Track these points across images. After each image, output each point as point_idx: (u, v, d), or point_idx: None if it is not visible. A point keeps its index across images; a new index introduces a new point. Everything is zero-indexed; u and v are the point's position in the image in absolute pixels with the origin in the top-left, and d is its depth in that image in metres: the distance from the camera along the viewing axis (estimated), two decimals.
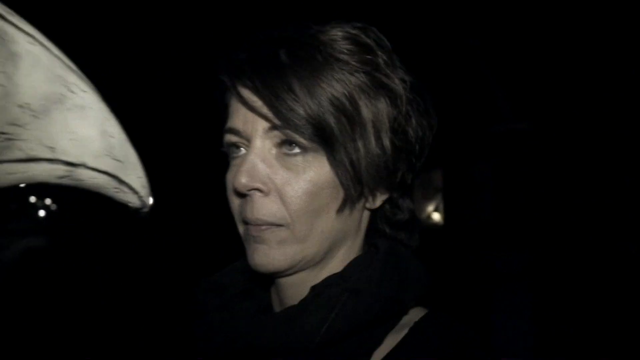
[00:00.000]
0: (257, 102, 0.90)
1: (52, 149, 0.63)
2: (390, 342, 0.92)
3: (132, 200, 0.71)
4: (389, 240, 0.99)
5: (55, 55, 0.64)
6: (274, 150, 0.91)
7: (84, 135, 0.64)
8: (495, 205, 6.61)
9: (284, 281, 0.97)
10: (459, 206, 6.69)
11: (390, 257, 0.96)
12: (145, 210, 0.73)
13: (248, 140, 0.92)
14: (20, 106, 0.60)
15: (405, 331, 0.93)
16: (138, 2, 4.41)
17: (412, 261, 0.98)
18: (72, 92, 0.64)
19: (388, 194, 0.96)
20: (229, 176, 0.95)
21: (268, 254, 0.92)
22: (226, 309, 1.01)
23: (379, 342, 0.92)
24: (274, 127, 0.89)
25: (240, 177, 0.90)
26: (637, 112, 8.24)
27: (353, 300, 0.90)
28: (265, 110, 0.89)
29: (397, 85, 0.92)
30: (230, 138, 0.95)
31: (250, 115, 0.91)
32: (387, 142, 0.91)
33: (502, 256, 5.84)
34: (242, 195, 0.92)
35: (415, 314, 0.95)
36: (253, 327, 0.94)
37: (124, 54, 4.92)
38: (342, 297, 0.90)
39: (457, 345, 0.92)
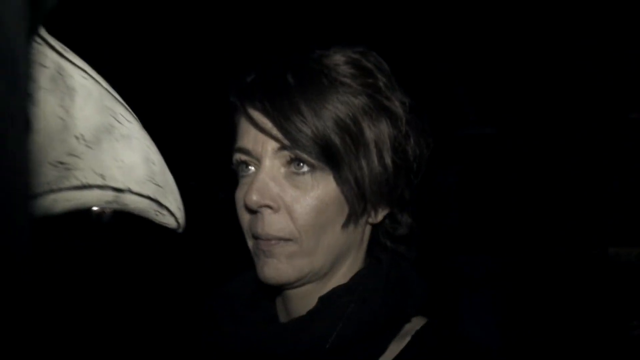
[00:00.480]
0: (267, 123, 0.96)
1: (102, 176, 0.67)
2: (394, 349, 0.99)
3: (170, 222, 0.75)
4: (390, 253, 1.06)
5: (104, 88, 0.68)
6: (282, 170, 0.97)
7: (129, 163, 0.69)
8: (461, 210, 6.70)
9: (291, 293, 1.02)
10: (425, 211, 6.76)
11: (393, 269, 1.03)
12: (180, 230, 0.76)
13: (258, 160, 0.98)
14: (77, 137, 0.64)
15: (407, 339, 0.99)
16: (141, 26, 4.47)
17: (412, 273, 1.05)
18: (119, 122, 0.69)
19: (389, 209, 1.03)
20: (239, 193, 1.01)
21: (278, 267, 0.97)
22: (236, 319, 1.06)
23: (383, 349, 0.98)
24: (283, 147, 0.95)
25: (252, 194, 0.95)
26: (602, 117, 8.41)
27: (360, 309, 0.96)
28: (275, 131, 0.95)
29: (397, 107, 0.99)
30: (240, 157, 1.01)
31: (260, 136, 0.97)
32: (388, 161, 0.98)
33: (469, 260, 5.91)
34: (252, 211, 0.98)
35: (416, 323, 1.02)
36: (264, 336, 0.99)
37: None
38: (350, 306, 0.96)
39: (459, 353, 0.98)
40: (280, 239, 0.96)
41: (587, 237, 8.30)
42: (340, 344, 0.94)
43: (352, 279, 1.01)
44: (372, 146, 0.96)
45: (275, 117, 0.95)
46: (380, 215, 1.02)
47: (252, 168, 1.00)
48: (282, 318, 1.06)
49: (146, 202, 0.71)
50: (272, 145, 0.96)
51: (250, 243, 1.01)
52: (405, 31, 4.84)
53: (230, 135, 1.05)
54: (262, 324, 1.03)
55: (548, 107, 7.25)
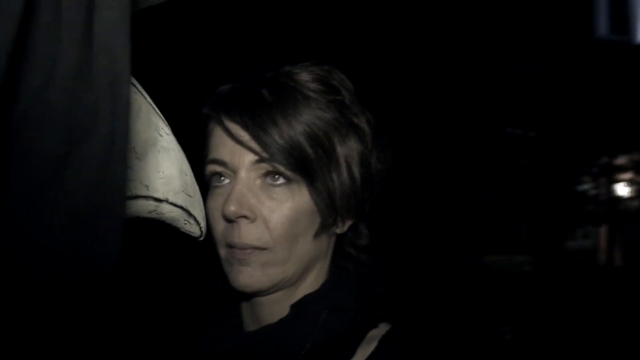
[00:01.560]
0: (244, 136, 1.00)
1: (147, 187, 0.70)
2: (362, 354, 1.03)
3: (195, 231, 0.78)
4: (355, 262, 1.10)
5: (149, 102, 0.71)
6: (258, 181, 1.01)
7: (168, 174, 0.72)
8: None
9: (262, 300, 1.05)
10: None
11: (360, 277, 1.08)
12: (202, 239, 0.81)
13: (234, 172, 1.01)
14: (130, 150, 0.67)
15: (374, 344, 1.03)
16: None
17: (376, 280, 1.10)
18: (161, 135, 0.72)
19: (353, 220, 1.07)
20: (213, 204, 1.04)
21: (252, 275, 1.00)
22: (206, 329, 1.09)
23: (351, 355, 1.03)
24: (261, 160, 0.99)
25: (231, 205, 0.99)
26: (477, 131, 8.79)
27: (335, 317, 1.01)
28: (253, 144, 0.99)
29: (364, 124, 1.05)
30: (215, 168, 1.04)
31: (237, 148, 1.01)
32: (357, 175, 1.03)
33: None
34: (229, 221, 1.01)
35: (381, 328, 1.06)
36: (237, 345, 1.02)
37: None
38: (323, 314, 1.01)
39: (424, 356, 1.06)
40: (255, 247, 1.00)
41: (462, 246, 8.65)
42: (315, 351, 0.98)
43: (322, 287, 1.06)
44: (342, 160, 1.02)
45: (253, 131, 0.99)
46: (346, 226, 1.07)
47: (226, 179, 1.03)
48: (250, 326, 1.08)
49: (179, 211, 0.75)
50: (249, 157, 1.00)
51: (222, 252, 1.03)
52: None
53: (200, 147, 1.07)
54: (233, 333, 1.07)
55: (424, 121, 7.47)
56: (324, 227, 1.03)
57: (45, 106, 0.43)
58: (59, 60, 0.43)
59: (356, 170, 1.03)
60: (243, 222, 1.00)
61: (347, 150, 1.03)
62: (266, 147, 0.98)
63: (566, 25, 11.38)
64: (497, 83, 9.82)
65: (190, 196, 0.76)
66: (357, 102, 1.07)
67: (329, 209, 1.02)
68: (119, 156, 0.49)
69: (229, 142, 1.02)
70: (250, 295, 1.05)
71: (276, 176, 1.00)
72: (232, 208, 0.99)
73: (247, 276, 1.01)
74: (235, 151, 1.01)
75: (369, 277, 1.09)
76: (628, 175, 11.00)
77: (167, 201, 0.72)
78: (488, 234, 9.93)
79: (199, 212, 0.77)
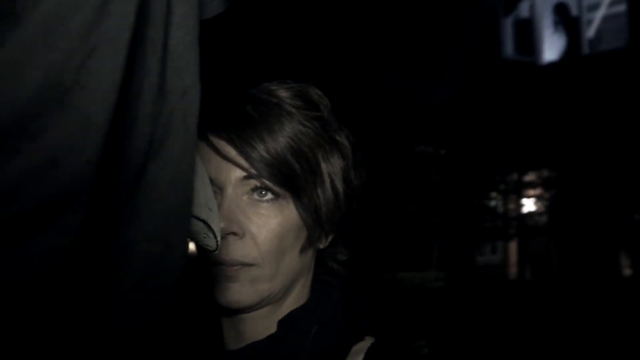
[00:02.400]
0: (231, 152, 1.00)
1: None
2: None
3: (212, 245, 0.79)
4: (337, 276, 1.12)
5: None
6: (245, 197, 1.02)
7: (195, 188, 0.70)
8: None
9: (247, 316, 1.05)
10: None
11: (345, 291, 1.10)
12: (217, 252, 0.83)
13: (220, 188, 1.02)
14: None
15: (360, 357, 1.05)
16: None
17: (358, 294, 1.12)
18: None
19: (334, 235, 1.09)
20: None
21: (241, 292, 1.01)
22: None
23: None
24: (249, 176, 1.00)
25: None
26: (388, 149, 8.90)
27: (325, 332, 1.03)
28: (240, 160, 1.00)
29: (345, 140, 1.08)
30: None
31: (224, 164, 1.01)
32: (340, 190, 1.05)
33: None
34: None
35: (367, 341, 1.07)
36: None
37: None
38: (313, 328, 1.03)
39: None
40: (244, 264, 1.01)
41: (377, 263, 8.74)
42: None
43: (309, 302, 1.08)
44: (325, 176, 1.04)
45: (240, 146, 1.00)
46: (328, 241, 1.08)
47: None
48: (233, 344, 1.08)
49: (201, 224, 0.76)
50: (236, 173, 1.01)
51: (209, 269, 1.03)
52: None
53: None
54: (215, 352, 1.07)
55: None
56: (310, 243, 1.05)
57: (135, 115, 0.43)
58: (148, 74, 0.44)
59: (339, 186, 1.05)
60: (231, 239, 1.00)
61: (331, 166, 1.05)
62: (254, 163, 0.99)
63: (474, 46, 11.72)
64: (408, 102, 10.01)
65: (210, 210, 0.78)
66: (334, 118, 1.09)
67: (315, 224, 1.03)
68: (187, 168, 0.49)
69: (215, 159, 1.02)
70: (234, 312, 1.05)
71: (263, 192, 1.01)
72: (221, 225, 0.97)
73: (236, 292, 1.01)
74: (222, 168, 1.01)
75: (352, 291, 1.11)
76: (537, 191, 11.36)
77: (192, 215, 0.73)
78: (401, 251, 10.08)
79: (216, 225, 0.79)
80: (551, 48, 11.63)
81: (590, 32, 11.46)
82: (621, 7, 11.01)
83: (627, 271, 10.62)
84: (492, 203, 12.05)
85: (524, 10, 12.02)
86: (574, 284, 10.06)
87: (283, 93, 1.05)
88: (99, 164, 0.40)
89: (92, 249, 0.42)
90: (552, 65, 11.50)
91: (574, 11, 11.35)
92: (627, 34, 10.44)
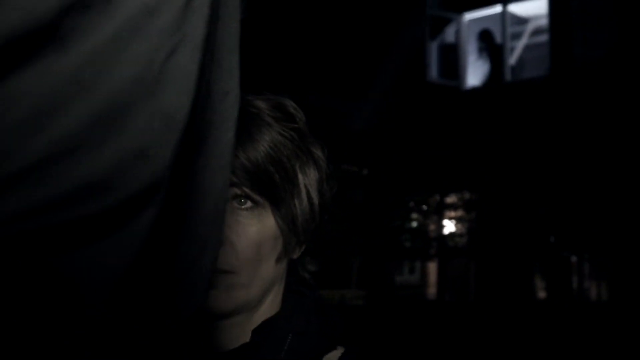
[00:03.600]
0: None
1: None
2: None
3: None
4: (309, 287, 1.14)
5: None
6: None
7: None
8: None
9: (221, 324, 1.06)
10: None
11: (317, 301, 1.12)
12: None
13: None
14: None
15: None
16: None
17: (328, 304, 1.15)
18: None
19: (305, 245, 1.11)
20: None
21: (218, 298, 1.01)
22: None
23: None
24: (231, 184, 1.00)
25: None
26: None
27: (300, 341, 1.04)
28: None
29: (319, 152, 1.10)
30: None
31: None
32: (315, 201, 1.07)
33: None
34: None
35: (338, 350, 1.09)
36: None
37: None
38: (288, 337, 1.04)
39: None
40: (222, 271, 1.01)
41: (297, 281, 8.67)
42: None
43: (283, 311, 1.09)
44: (302, 186, 1.06)
45: None
46: (301, 251, 1.11)
47: None
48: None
49: None
50: None
51: None
52: None
53: None
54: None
55: None
56: (285, 252, 1.06)
57: (194, 113, 0.43)
58: (204, 73, 0.44)
59: (314, 197, 1.07)
60: None
61: (307, 177, 1.07)
62: (235, 171, 1.00)
63: (400, 68, 11.88)
64: (332, 121, 10.04)
65: None
66: (308, 131, 1.11)
67: (291, 234, 1.05)
68: (224, 169, 0.48)
69: None
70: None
71: (243, 200, 1.03)
72: None
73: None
74: None
75: (323, 301, 1.13)
76: (458, 213, 11.55)
77: None
78: (322, 269, 10.06)
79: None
80: (475, 73, 11.88)
81: (512, 59, 11.78)
82: (543, 37, 11.37)
83: (541, 294, 10.89)
84: (414, 224, 12.19)
85: (449, 36, 12.26)
86: (490, 306, 10.23)
87: (262, 104, 1.07)
88: (176, 159, 0.41)
89: (152, 244, 0.42)
90: (475, 90, 11.74)
91: (498, 38, 11.65)
92: (549, 63, 10.77)
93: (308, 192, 1.07)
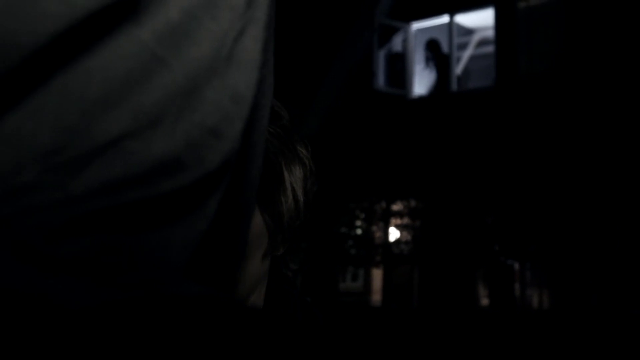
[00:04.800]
0: None
1: None
2: None
3: None
4: (291, 285, 1.17)
5: None
6: None
7: None
8: None
9: None
10: None
11: (300, 298, 1.15)
12: None
13: None
14: None
15: None
16: None
17: (309, 301, 1.18)
18: None
19: (288, 243, 1.12)
20: None
21: None
22: None
23: None
24: None
25: None
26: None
27: None
28: None
29: (304, 150, 1.11)
30: None
31: None
32: (300, 199, 1.09)
33: None
34: None
35: None
36: None
37: None
38: None
39: None
40: None
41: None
42: None
43: (269, 307, 1.11)
44: (287, 184, 1.07)
45: None
46: (284, 249, 1.11)
47: None
48: None
49: None
50: None
51: None
52: None
53: None
54: None
55: None
56: (271, 250, 1.07)
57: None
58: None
59: (300, 194, 1.08)
60: None
61: (292, 175, 1.08)
62: None
63: (347, 76, 11.93)
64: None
65: None
66: (292, 129, 1.12)
67: (277, 231, 1.06)
68: (262, 151, 0.47)
69: None
70: None
71: None
72: None
73: None
74: None
75: (304, 298, 1.16)
76: (404, 220, 11.63)
77: None
78: None
79: None
80: (421, 83, 12.01)
81: (458, 69, 11.95)
82: (488, 48, 11.57)
83: (484, 301, 11.04)
84: (359, 231, 12.23)
85: (397, 45, 12.37)
86: (433, 313, 10.33)
87: None
88: (242, 138, 0.41)
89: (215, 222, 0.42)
90: (421, 99, 11.87)
91: (444, 48, 11.80)
92: (495, 74, 10.96)
93: (294, 190, 1.08)
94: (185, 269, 0.38)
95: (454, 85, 11.65)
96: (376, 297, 12.68)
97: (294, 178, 1.09)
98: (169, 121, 0.36)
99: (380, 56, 12.39)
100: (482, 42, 12.03)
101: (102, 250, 0.32)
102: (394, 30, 12.23)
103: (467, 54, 12.25)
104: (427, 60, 11.99)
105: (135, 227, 0.34)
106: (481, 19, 11.56)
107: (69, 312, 0.29)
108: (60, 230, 0.31)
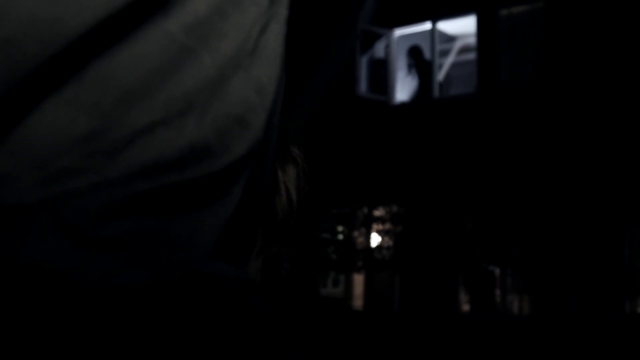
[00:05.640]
0: None
1: None
2: None
3: None
4: (284, 283, 1.17)
5: None
6: None
7: None
8: None
9: None
10: None
11: (294, 298, 1.08)
12: None
13: None
14: None
15: None
16: None
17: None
18: None
19: (281, 242, 1.14)
20: None
21: None
22: None
23: None
24: None
25: None
26: None
27: None
28: None
29: (297, 150, 1.11)
30: None
31: None
32: (293, 197, 1.09)
33: None
34: None
35: None
36: None
37: None
38: None
39: None
40: None
41: None
42: None
43: None
44: (281, 183, 1.07)
45: None
46: (276, 247, 1.12)
47: None
48: None
49: None
50: None
51: None
52: None
53: None
54: None
55: None
56: (264, 248, 1.06)
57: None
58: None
59: (293, 193, 1.09)
60: None
61: (286, 174, 1.09)
62: None
63: (329, 81, 11.95)
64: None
65: None
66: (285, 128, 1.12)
67: (272, 230, 1.06)
68: (275, 141, 0.49)
69: None
70: None
71: None
72: None
73: None
74: None
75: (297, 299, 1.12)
76: (386, 225, 11.66)
77: None
78: None
79: None
80: (403, 89, 12.06)
81: (440, 76, 12.01)
82: (470, 55, 11.64)
83: (465, 307, 11.09)
84: (340, 236, 12.23)
85: (379, 51, 12.41)
86: (414, 318, 10.35)
87: None
88: (265, 129, 0.43)
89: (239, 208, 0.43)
90: (403, 105, 11.91)
91: (427, 55, 11.86)
92: (476, 81, 11.03)
93: (287, 189, 1.09)
94: (211, 254, 0.39)
95: (436, 92, 11.70)
96: (357, 302, 12.68)
97: (288, 177, 1.10)
98: (198, 110, 0.37)
99: (363, 62, 12.42)
100: (464, 49, 12.10)
101: (140, 232, 0.34)
102: (377, 37, 12.27)
103: (449, 61, 12.32)
104: (410, 66, 12.04)
105: (167, 211, 0.35)
106: (463, 26, 11.63)
107: (120, 290, 0.30)
108: (101, 213, 0.33)
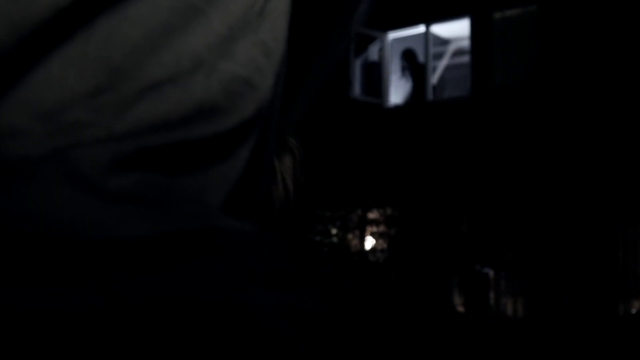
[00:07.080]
0: None
1: None
2: None
3: None
4: None
5: None
6: None
7: None
8: None
9: None
10: None
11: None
12: None
13: None
14: None
15: None
16: None
17: None
18: None
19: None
20: None
21: None
22: None
23: None
24: None
25: None
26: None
27: None
28: None
29: (293, 139, 1.08)
30: None
31: None
32: (290, 187, 1.06)
33: None
34: None
35: None
36: None
37: None
38: None
39: None
40: None
41: None
42: None
43: None
44: (278, 174, 1.04)
45: None
46: None
47: None
48: None
49: None
50: None
51: None
52: None
53: None
54: None
55: None
56: None
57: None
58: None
59: (289, 184, 1.05)
60: None
61: (282, 164, 1.05)
62: None
63: (323, 83, 11.95)
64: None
65: None
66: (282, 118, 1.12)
67: (268, 223, 1.01)
68: (278, 107, 0.48)
69: None
70: None
71: None
72: None
73: None
74: None
75: None
76: (380, 228, 11.67)
77: None
78: None
79: None
80: (397, 92, 12.08)
81: (434, 79, 12.04)
82: (464, 58, 11.67)
83: (460, 309, 11.09)
84: (334, 239, 12.24)
85: (373, 54, 12.43)
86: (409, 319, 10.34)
87: None
88: (272, 91, 0.43)
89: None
90: (397, 108, 11.93)
91: (420, 58, 11.88)
92: (470, 84, 11.06)
93: (284, 179, 1.04)
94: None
95: (430, 95, 11.73)
96: None
97: (284, 167, 1.05)
98: (206, 69, 0.37)
99: (357, 65, 12.44)
100: (458, 52, 12.13)
101: (148, 186, 0.34)
102: (371, 40, 12.29)
103: (442, 64, 12.35)
104: (403, 69, 12.06)
105: (175, 168, 0.35)
106: (457, 29, 11.67)
107: (130, 241, 0.30)
108: (110, 165, 0.33)
